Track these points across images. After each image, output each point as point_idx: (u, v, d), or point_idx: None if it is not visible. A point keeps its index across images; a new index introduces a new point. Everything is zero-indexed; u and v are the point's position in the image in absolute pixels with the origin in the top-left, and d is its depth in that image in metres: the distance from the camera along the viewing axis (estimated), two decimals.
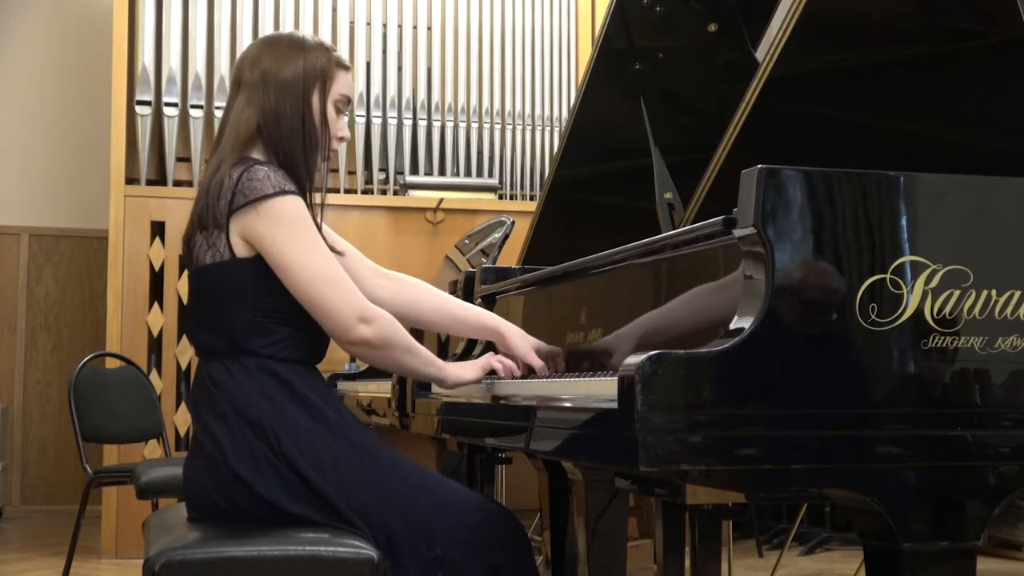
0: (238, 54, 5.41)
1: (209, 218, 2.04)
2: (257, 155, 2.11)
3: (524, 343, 2.25)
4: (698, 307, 1.80)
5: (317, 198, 2.13)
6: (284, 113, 2.10)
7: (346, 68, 2.19)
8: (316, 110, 2.12)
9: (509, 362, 2.23)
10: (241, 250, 2.03)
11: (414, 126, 5.75)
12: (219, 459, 2.00)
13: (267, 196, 2.00)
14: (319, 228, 2.09)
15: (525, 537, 2.12)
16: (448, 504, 2.04)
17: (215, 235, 2.04)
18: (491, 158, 5.82)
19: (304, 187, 2.09)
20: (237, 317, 2.04)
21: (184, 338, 5.29)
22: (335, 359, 2.21)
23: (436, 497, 2.04)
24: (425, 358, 2.17)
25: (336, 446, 2.03)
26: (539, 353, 2.24)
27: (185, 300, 5.27)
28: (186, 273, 5.45)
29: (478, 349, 2.68)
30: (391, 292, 2.34)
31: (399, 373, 2.57)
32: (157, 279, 5.32)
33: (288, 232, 2.01)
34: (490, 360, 2.23)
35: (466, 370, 2.22)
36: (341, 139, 2.19)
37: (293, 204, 2.03)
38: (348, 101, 2.19)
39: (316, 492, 1.98)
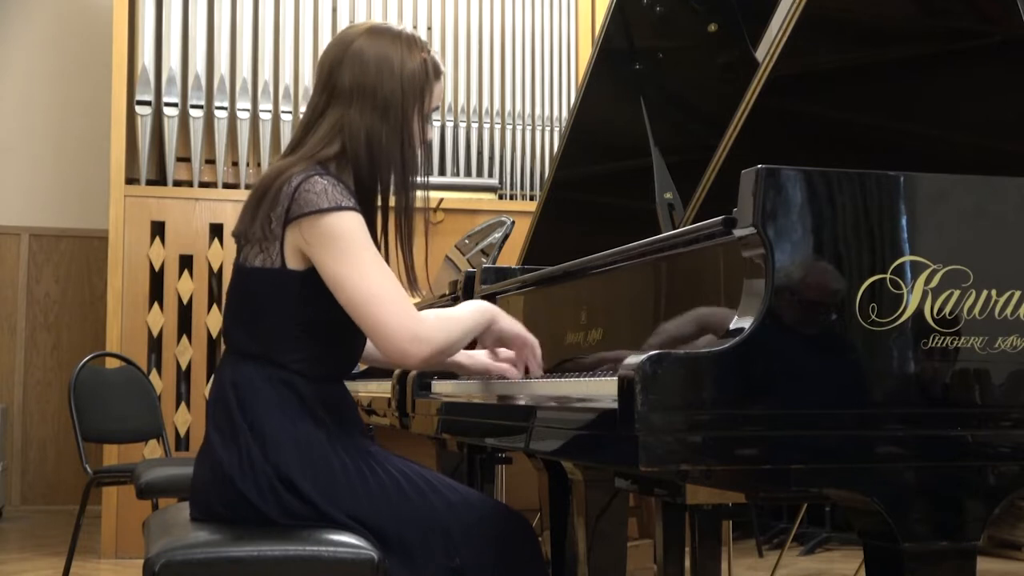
0: (238, 54, 5.49)
1: (263, 224, 1.98)
2: (331, 166, 2.03)
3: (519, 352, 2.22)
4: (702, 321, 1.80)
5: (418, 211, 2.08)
6: (377, 138, 2.02)
7: (440, 74, 2.09)
8: (416, 131, 2.05)
9: (513, 372, 2.21)
10: (292, 261, 1.98)
11: None
12: (225, 473, 1.98)
13: (322, 211, 1.93)
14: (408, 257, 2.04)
15: (535, 537, 2.11)
16: (461, 508, 2.02)
17: (269, 240, 1.98)
18: (491, 158, 5.83)
19: (372, 207, 2.03)
20: (275, 327, 2.01)
21: (184, 338, 5.30)
22: None
23: (450, 504, 2.01)
24: (468, 326, 2.09)
25: (349, 465, 2.00)
26: (505, 360, 2.23)
27: (185, 300, 5.28)
28: (186, 273, 5.48)
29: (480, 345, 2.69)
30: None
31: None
32: (157, 279, 5.32)
33: (341, 249, 1.94)
34: (506, 369, 2.19)
35: (508, 325, 2.16)
36: (423, 143, 2.12)
37: (349, 221, 1.95)
38: (437, 108, 2.11)
39: (321, 515, 1.96)
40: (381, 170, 2.03)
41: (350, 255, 1.95)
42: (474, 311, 2.13)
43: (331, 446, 2.01)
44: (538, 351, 2.20)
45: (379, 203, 2.06)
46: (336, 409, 2.06)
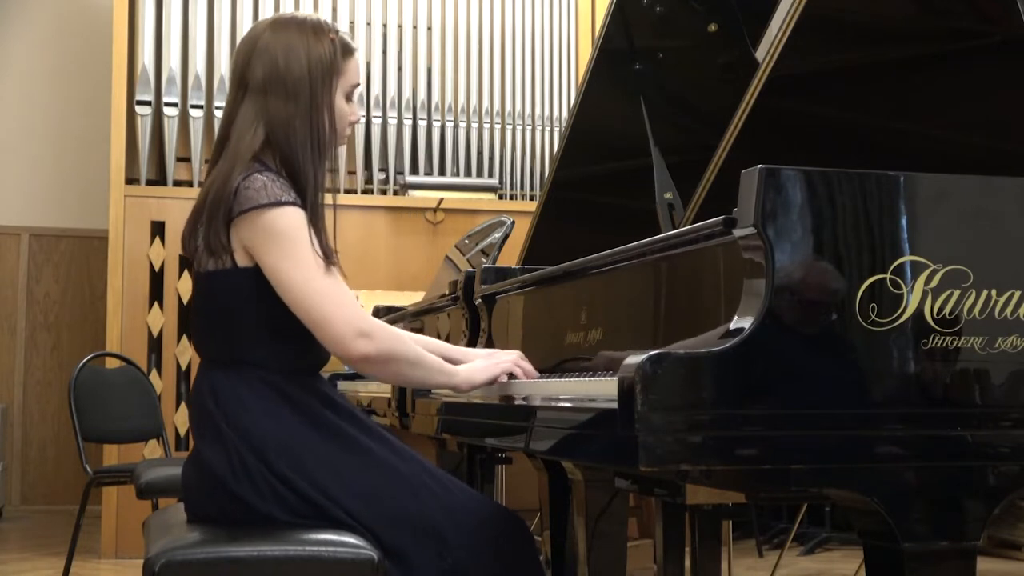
0: None
1: (213, 234, 1.99)
2: (267, 159, 2.05)
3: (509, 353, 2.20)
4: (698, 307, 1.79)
5: (328, 199, 2.07)
6: (292, 125, 2.03)
7: (351, 52, 2.11)
8: (324, 110, 2.06)
9: (528, 366, 2.18)
10: (242, 259, 1.99)
11: (414, 126, 5.75)
12: (217, 479, 1.98)
13: (261, 206, 1.95)
14: (325, 229, 2.02)
15: (531, 539, 2.11)
16: (457, 510, 2.01)
17: (216, 243, 1.99)
18: (491, 158, 5.82)
19: (307, 191, 2.02)
20: (238, 327, 2.01)
21: (184, 338, 5.30)
22: (335, 359, 2.20)
23: (445, 503, 2.01)
24: (433, 366, 2.09)
25: (341, 457, 1.99)
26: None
27: (185, 300, 5.28)
28: (186, 273, 5.47)
29: (480, 344, 2.68)
30: None
31: (407, 386, 2.49)
32: (157, 279, 5.32)
33: (282, 245, 1.95)
34: (509, 366, 2.15)
35: (479, 373, 2.13)
36: (352, 123, 2.15)
37: (289, 217, 1.96)
38: (356, 86, 2.14)
39: (319, 508, 1.96)
40: (298, 153, 2.03)
41: (291, 251, 1.95)
42: (440, 365, 2.10)
43: (319, 439, 2.00)
44: (522, 366, 2.17)
45: (308, 188, 2.04)
46: (324, 400, 2.05)
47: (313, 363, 2.09)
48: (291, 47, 2.06)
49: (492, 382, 2.15)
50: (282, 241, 1.95)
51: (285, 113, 2.03)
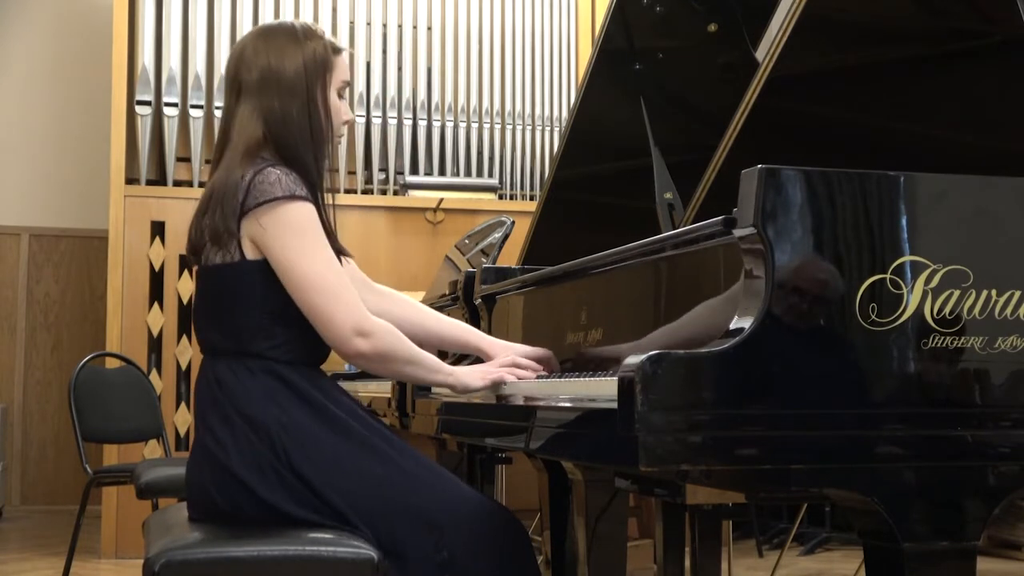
0: None
1: (220, 222, 2.02)
2: (266, 154, 2.09)
3: (510, 355, 2.23)
4: (704, 321, 1.79)
5: (327, 199, 2.13)
6: (290, 116, 2.09)
7: (340, 51, 2.18)
8: (320, 104, 2.12)
9: (522, 372, 2.19)
10: (251, 252, 2.03)
11: (414, 126, 5.75)
12: (222, 463, 2.00)
13: (277, 199, 2.00)
14: (332, 227, 2.10)
15: (528, 538, 2.12)
16: (454, 505, 2.03)
17: (226, 237, 2.03)
18: (491, 158, 5.82)
19: (314, 185, 2.09)
20: (244, 318, 2.04)
21: (184, 338, 5.30)
22: (336, 359, 2.21)
23: (442, 497, 2.03)
24: (430, 365, 2.14)
25: (342, 446, 2.02)
26: (530, 357, 2.22)
27: (185, 300, 5.28)
28: (186, 273, 5.47)
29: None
30: (375, 308, 2.23)
31: (404, 382, 2.54)
32: (157, 279, 5.32)
33: (293, 238, 2.01)
34: (501, 373, 2.17)
35: (475, 377, 2.17)
36: (346, 122, 2.21)
37: (302, 210, 2.02)
38: (348, 84, 2.20)
39: (319, 496, 1.97)
40: (298, 146, 2.09)
41: (300, 244, 2.01)
42: (438, 365, 2.16)
43: (320, 427, 2.02)
44: (521, 366, 2.20)
45: (312, 178, 2.10)
46: (321, 391, 2.08)
47: (315, 357, 2.12)
48: (283, 47, 2.12)
49: (486, 388, 2.17)
50: (292, 234, 2.01)
51: (283, 108, 2.09)
